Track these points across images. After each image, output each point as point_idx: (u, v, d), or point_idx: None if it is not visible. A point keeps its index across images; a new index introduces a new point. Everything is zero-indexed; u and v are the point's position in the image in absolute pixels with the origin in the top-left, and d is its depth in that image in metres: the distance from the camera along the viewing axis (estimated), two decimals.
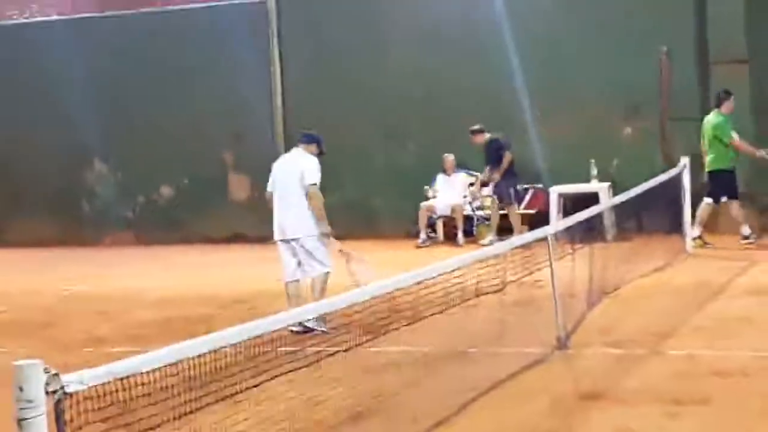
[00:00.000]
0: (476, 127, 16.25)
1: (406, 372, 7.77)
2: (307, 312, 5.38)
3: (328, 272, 10.07)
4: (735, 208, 14.27)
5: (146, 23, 19.30)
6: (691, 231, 14.05)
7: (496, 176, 15.98)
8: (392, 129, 17.84)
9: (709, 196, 14.34)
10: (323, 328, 9.02)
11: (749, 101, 15.60)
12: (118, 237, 19.42)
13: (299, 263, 10.13)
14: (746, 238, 14.21)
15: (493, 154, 16.17)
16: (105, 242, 19.35)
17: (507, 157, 15.96)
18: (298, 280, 10.14)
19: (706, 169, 14.42)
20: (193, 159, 19.00)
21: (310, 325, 8.90)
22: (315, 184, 10.11)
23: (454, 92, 17.21)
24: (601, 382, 7.26)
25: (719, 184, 14.26)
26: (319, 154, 10.52)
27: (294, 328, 8.21)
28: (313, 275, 10.06)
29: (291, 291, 10.14)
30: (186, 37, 18.92)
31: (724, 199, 14.26)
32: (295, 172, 10.19)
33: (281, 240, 10.25)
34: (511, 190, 16.04)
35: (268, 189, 10.62)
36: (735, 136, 14.27)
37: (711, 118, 14.45)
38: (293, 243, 10.13)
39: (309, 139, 10.62)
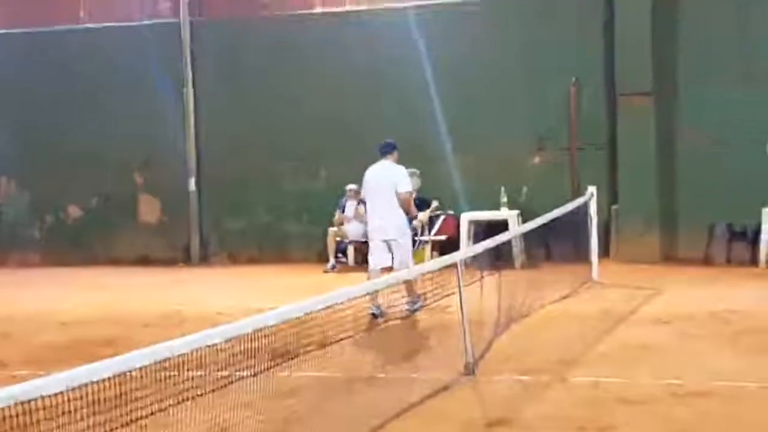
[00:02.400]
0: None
1: (315, 397, 7.73)
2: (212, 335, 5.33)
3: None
4: None
5: (57, 41, 18.96)
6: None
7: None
8: (304, 155, 17.84)
9: None
10: (417, 305, 11.21)
11: (654, 132, 15.94)
12: (25, 257, 19.04)
13: (392, 257, 11.66)
14: None
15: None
16: (11, 262, 18.94)
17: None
18: (389, 268, 11.53)
19: None
20: (103, 179, 18.76)
21: (414, 308, 11.21)
22: (409, 192, 11.95)
23: (367, 120, 17.28)
24: (508, 408, 7.31)
25: None
26: None
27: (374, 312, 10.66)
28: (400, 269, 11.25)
29: (375, 277, 11.15)
30: (97, 56, 18.66)
31: None
32: (390, 182, 11.76)
33: (382, 240, 11.76)
34: None
35: (362, 195, 12.55)
36: None
37: None
38: (391, 242, 11.68)
39: (392, 148, 12.15)
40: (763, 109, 15.52)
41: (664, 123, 16.02)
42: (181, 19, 18.37)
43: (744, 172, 15.46)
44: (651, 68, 15.92)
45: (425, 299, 11.61)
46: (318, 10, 17.92)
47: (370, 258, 12.01)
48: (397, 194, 11.67)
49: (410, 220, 12.69)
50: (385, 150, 12.09)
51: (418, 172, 12.00)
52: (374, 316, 10.84)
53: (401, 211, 11.76)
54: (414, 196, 12.95)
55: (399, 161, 12.16)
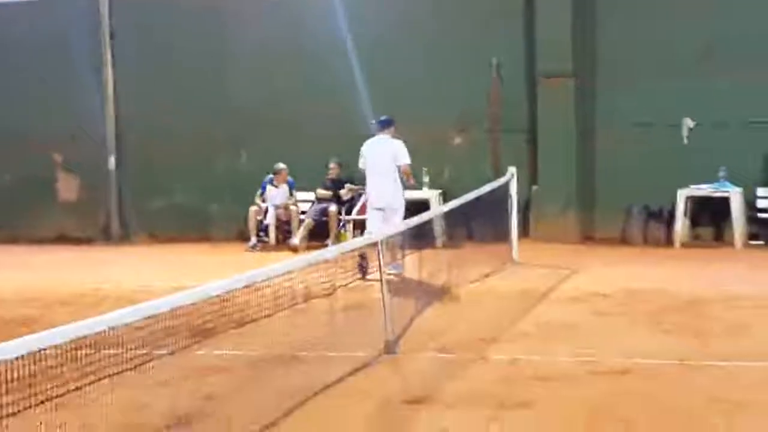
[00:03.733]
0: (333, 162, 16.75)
1: (235, 375, 7.72)
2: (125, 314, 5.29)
3: None
4: None
5: None
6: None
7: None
8: (227, 133, 17.74)
9: None
10: (398, 269, 11.88)
11: (574, 114, 16.13)
12: None
13: (384, 222, 12.58)
14: None
15: (340, 185, 16.76)
16: None
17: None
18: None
19: None
20: (21, 157, 18.44)
21: (392, 272, 11.50)
22: (409, 163, 12.83)
23: (291, 100, 17.25)
24: (428, 385, 7.36)
25: None
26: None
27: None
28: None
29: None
30: (15, 33, 18.32)
31: None
32: (388, 154, 12.83)
33: (377, 208, 12.83)
34: None
35: (360, 166, 13.21)
36: None
37: None
38: (387, 209, 12.67)
39: (389, 123, 13.21)
40: (678, 93, 15.76)
41: (583, 105, 16.21)
42: None
43: (660, 154, 15.75)
44: (571, 50, 16.09)
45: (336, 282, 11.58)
46: None
47: (367, 224, 13.09)
48: (398, 166, 12.75)
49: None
50: (383, 124, 13.18)
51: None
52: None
53: (398, 181, 12.81)
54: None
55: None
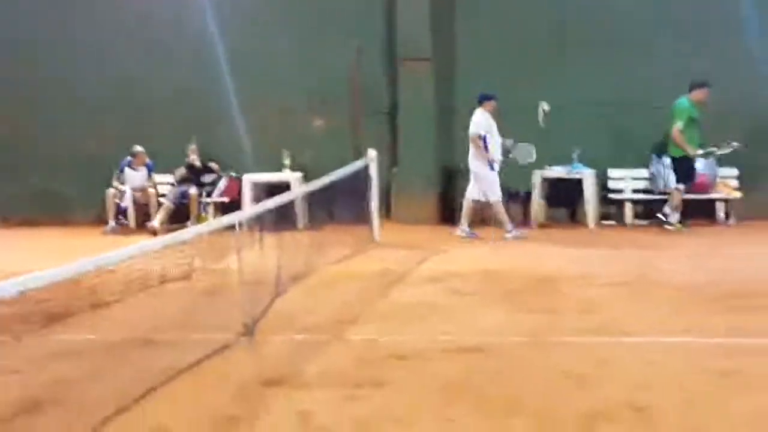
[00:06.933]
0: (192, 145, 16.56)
1: (88, 360, 7.56)
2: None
3: (497, 200, 14.63)
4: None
5: None
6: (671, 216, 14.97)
7: None
8: (82, 116, 17.38)
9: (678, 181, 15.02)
10: (514, 232, 14.60)
11: (433, 97, 16.30)
12: None
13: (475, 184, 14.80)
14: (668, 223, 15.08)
15: (201, 168, 16.72)
16: None
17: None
18: (477, 200, 14.89)
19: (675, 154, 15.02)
20: None
21: (511, 236, 14.51)
22: (475, 133, 14.52)
23: (150, 77, 17.02)
24: (285, 368, 7.35)
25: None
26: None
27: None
28: (486, 199, 14.80)
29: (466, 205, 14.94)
30: None
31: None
32: (471, 125, 14.57)
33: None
34: None
35: None
36: (679, 125, 14.71)
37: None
38: (473, 174, 14.72)
39: (482, 99, 14.71)
40: (534, 76, 16.12)
41: (442, 88, 16.40)
42: None
43: (517, 136, 16.00)
44: (430, 34, 16.25)
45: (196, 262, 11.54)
46: None
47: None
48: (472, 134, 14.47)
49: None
50: (479, 99, 14.70)
51: (510, 142, 14.75)
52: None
53: (475, 149, 14.49)
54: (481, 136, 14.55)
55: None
